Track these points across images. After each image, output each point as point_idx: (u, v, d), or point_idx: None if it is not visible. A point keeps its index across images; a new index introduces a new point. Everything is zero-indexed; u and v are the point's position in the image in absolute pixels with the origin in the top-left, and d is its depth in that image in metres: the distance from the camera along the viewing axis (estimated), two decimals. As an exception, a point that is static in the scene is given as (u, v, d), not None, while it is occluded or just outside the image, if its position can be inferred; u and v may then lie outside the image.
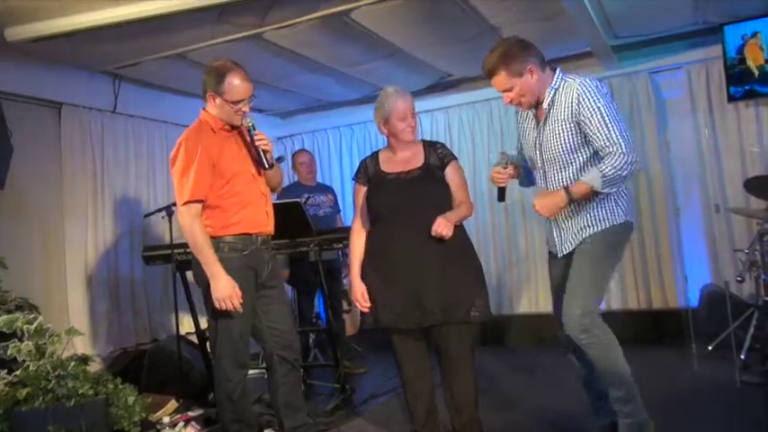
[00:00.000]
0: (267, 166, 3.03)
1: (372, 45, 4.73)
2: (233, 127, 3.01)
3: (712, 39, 5.19)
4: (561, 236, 2.83)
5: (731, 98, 5.17)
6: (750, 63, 5.07)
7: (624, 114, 5.57)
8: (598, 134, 2.59)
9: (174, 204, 4.33)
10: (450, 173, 3.02)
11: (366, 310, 2.99)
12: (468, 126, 6.17)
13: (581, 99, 2.62)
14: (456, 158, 3.08)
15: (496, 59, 2.71)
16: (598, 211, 2.72)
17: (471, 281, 2.93)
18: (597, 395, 2.94)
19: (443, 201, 2.94)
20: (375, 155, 3.15)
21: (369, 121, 6.55)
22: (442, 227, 2.77)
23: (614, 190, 2.62)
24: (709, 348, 4.42)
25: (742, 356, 4.02)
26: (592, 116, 2.59)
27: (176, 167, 2.87)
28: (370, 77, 5.64)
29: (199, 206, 2.85)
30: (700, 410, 3.42)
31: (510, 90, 2.74)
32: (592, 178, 2.59)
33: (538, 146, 2.83)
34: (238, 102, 2.90)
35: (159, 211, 4.43)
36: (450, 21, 4.36)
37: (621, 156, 2.53)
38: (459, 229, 2.94)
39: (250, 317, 2.98)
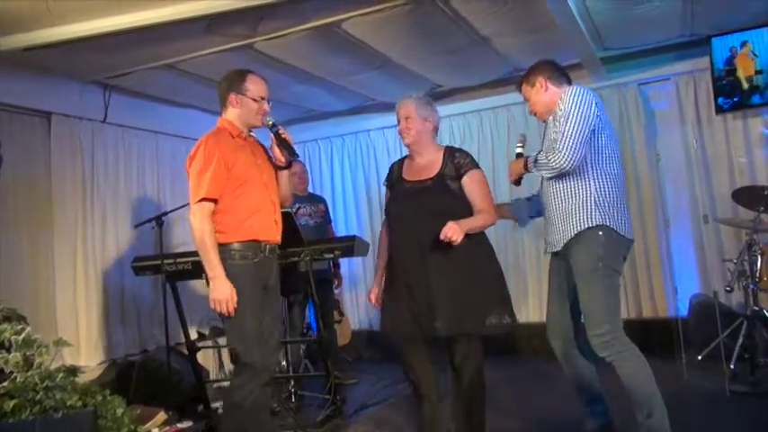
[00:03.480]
0: (296, 154, 3.10)
1: (363, 56, 4.75)
2: (247, 138, 3.07)
3: (700, 51, 5.23)
4: (549, 232, 3.00)
5: (719, 109, 5.21)
6: (741, 74, 5.11)
7: (613, 125, 5.60)
8: (557, 132, 2.82)
9: (165, 214, 4.36)
10: (467, 182, 2.97)
11: (376, 306, 3.13)
12: (459, 136, 6.19)
13: (561, 99, 2.86)
14: (476, 167, 3.03)
15: (522, 75, 3.16)
16: (575, 211, 2.86)
17: (483, 293, 2.89)
18: (590, 399, 2.98)
19: (450, 211, 2.87)
20: (402, 160, 3.22)
21: (360, 131, 6.65)
22: (451, 231, 2.71)
23: (543, 173, 2.92)
24: (699, 358, 4.44)
25: (731, 366, 4.04)
26: (561, 115, 2.83)
27: (194, 167, 2.91)
28: (361, 88, 5.66)
29: (211, 206, 2.87)
30: (690, 420, 3.42)
31: (528, 101, 3.10)
32: (534, 156, 2.94)
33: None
34: (262, 98, 2.99)
35: (149, 221, 4.41)
36: (440, 32, 4.39)
37: (555, 154, 2.80)
38: (475, 238, 2.90)
39: (259, 325, 2.95)
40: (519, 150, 3.13)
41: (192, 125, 5.43)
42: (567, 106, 2.81)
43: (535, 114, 3.10)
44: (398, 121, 3.11)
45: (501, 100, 5.87)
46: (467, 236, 2.78)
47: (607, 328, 2.75)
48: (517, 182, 3.12)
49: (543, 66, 3.07)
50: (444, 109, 6.16)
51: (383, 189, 3.31)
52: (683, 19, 4.76)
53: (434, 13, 4.06)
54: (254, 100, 2.99)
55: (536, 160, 2.91)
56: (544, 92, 3.01)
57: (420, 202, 2.95)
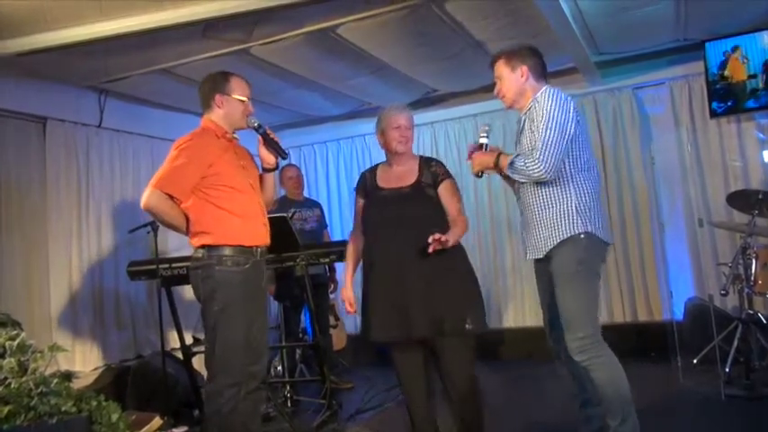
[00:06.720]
0: (286, 154, 3.07)
1: (359, 61, 4.75)
2: (231, 139, 3.05)
3: (694, 55, 5.25)
4: (527, 238, 2.94)
5: (713, 113, 5.23)
6: (732, 79, 5.13)
7: (608, 129, 5.64)
8: (534, 134, 2.75)
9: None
10: (442, 191, 3.07)
11: (351, 313, 3.16)
12: (455, 141, 6.21)
13: (537, 101, 2.81)
14: (451, 177, 3.13)
15: (503, 50, 2.98)
16: (558, 219, 2.80)
17: (461, 295, 2.96)
18: (583, 402, 2.98)
19: (430, 219, 2.97)
20: (374, 168, 3.25)
21: (356, 135, 6.66)
22: (444, 237, 2.79)
23: (519, 178, 2.81)
24: (694, 362, 4.44)
25: (726, 370, 4.05)
26: (538, 116, 2.76)
27: (173, 154, 2.88)
28: (357, 93, 5.67)
29: (165, 197, 2.83)
30: (685, 424, 3.43)
31: (500, 80, 2.95)
32: (510, 158, 2.82)
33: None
34: (247, 99, 3.00)
35: (144, 226, 4.40)
36: (435, 37, 4.40)
37: (534, 162, 2.71)
38: (453, 246, 2.93)
39: (246, 333, 2.92)
40: (483, 140, 3.02)
41: (188, 130, 5.36)
42: (546, 111, 2.73)
43: (502, 97, 3.00)
44: (396, 128, 3.08)
45: (496, 104, 5.82)
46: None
47: (586, 331, 2.72)
48: (479, 174, 3.02)
49: (531, 55, 2.93)
50: (439, 113, 6.24)
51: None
52: (677, 24, 4.78)
53: (430, 18, 4.07)
54: (240, 101, 2.99)
55: (512, 163, 2.78)
56: (524, 81, 2.89)
57: (399, 208, 3.02)
